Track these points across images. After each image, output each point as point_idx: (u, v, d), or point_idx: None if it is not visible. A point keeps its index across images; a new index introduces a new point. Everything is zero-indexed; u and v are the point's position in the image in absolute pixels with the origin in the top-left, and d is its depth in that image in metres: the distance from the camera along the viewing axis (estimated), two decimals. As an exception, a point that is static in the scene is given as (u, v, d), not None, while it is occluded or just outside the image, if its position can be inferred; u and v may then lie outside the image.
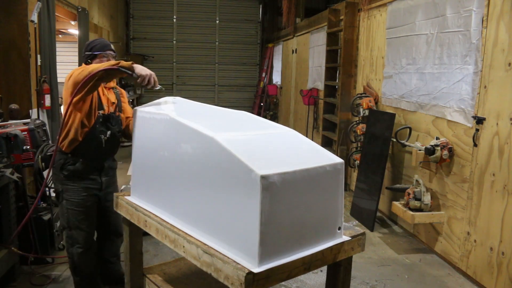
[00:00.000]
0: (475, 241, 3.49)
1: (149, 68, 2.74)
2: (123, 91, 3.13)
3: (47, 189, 3.65)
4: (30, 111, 4.68)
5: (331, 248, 1.95)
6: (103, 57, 2.85)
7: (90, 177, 2.87)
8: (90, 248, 2.94)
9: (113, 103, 2.92)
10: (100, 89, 2.84)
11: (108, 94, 2.92)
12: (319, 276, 3.52)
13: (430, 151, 3.77)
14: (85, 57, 2.89)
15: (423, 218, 3.90)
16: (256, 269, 1.67)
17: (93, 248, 2.98)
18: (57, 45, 5.55)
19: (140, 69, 2.56)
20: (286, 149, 2.02)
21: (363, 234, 2.12)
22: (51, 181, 3.49)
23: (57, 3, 5.63)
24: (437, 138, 3.90)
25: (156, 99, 2.60)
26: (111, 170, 3.01)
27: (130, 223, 2.51)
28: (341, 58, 6.14)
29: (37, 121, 3.74)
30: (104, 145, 2.83)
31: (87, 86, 2.56)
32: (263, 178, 1.65)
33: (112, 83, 3.01)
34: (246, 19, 12.12)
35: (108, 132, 2.83)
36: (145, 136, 2.45)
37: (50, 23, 5.12)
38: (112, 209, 2.75)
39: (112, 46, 2.94)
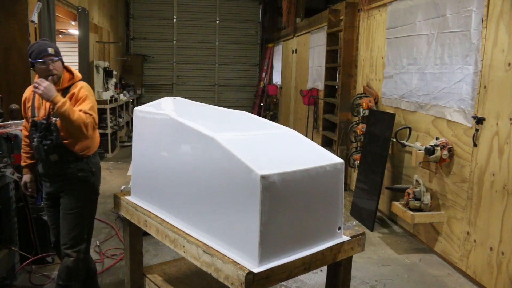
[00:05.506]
0: (475, 241, 3.49)
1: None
2: (75, 91, 2.69)
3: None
4: (30, 111, 4.68)
5: (331, 248, 1.95)
6: (41, 65, 2.61)
7: (42, 182, 2.86)
8: (56, 245, 2.93)
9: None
10: (38, 95, 2.66)
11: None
12: (319, 276, 3.52)
13: (430, 151, 3.77)
14: (29, 64, 2.73)
15: (423, 218, 3.90)
16: (256, 269, 1.67)
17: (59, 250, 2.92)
18: (57, 45, 5.55)
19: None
20: (286, 149, 2.02)
21: (363, 234, 2.13)
22: None
23: (57, 3, 5.64)
24: (437, 138, 3.90)
25: (156, 99, 2.61)
26: (61, 178, 2.72)
27: (130, 223, 2.51)
28: (341, 58, 6.14)
29: (37, 121, 3.73)
30: (35, 151, 2.71)
31: None
32: (263, 178, 1.65)
33: (65, 83, 2.70)
34: (246, 19, 12.12)
35: (34, 139, 2.67)
36: (145, 136, 2.46)
37: (50, 23, 5.13)
38: (62, 216, 2.72)
39: (51, 50, 2.64)
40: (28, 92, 2.79)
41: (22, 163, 2.91)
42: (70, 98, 2.63)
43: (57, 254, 3.06)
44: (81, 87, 2.70)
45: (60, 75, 2.68)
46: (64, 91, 2.67)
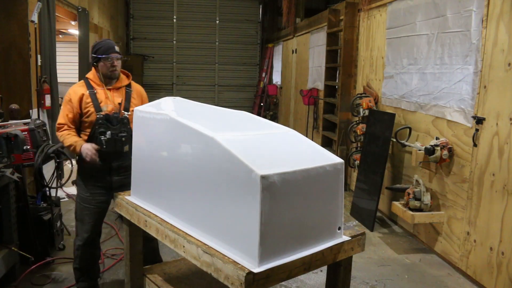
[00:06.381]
0: (475, 241, 3.49)
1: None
2: (138, 88, 3.16)
3: (47, 189, 3.67)
4: (30, 111, 4.68)
5: (331, 248, 1.95)
6: (106, 60, 2.90)
7: (99, 176, 2.95)
8: (89, 244, 3.03)
9: (119, 103, 2.96)
10: (101, 91, 2.94)
11: (113, 95, 2.97)
12: (319, 276, 3.52)
13: (430, 151, 3.77)
14: (92, 59, 2.99)
15: (423, 218, 3.90)
16: (256, 269, 1.67)
17: (92, 244, 3.06)
18: (57, 45, 5.55)
19: (83, 152, 2.82)
20: (286, 149, 2.02)
21: (363, 234, 2.13)
22: (52, 181, 3.53)
23: (57, 3, 5.63)
24: (437, 138, 3.90)
25: (156, 99, 2.61)
26: (124, 170, 2.95)
27: (130, 223, 2.52)
28: (341, 58, 6.14)
29: (38, 121, 3.74)
30: (106, 145, 2.85)
31: None
32: (263, 178, 1.65)
33: (125, 81, 3.06)
34: (246, 19, 12.11)
35: (108, 133, 2.85)
36: (145, 136, 2.46)
37: (50, 23, 5.12)
38: None
39: (117, 48, 2.97)
40: (83, 88, 2.94)
41: (79, 140, 2.86)
42: (137, 95, 3.06)
43: (82, 254, 3.03)
44: (141, 87, 3.20)
45: (119, 73, 3.01)
46: (127, 88, 3.04)
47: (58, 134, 2.92)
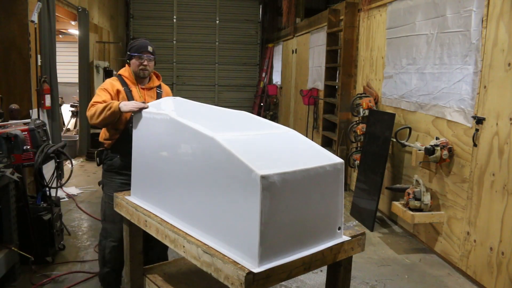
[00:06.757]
0: (475, 241, 3.49)
1: None
2: (167, 90, 3.20)
3: (47, 189, 3.67)
4: (30, 111, 4.69)
5: (331, 248, 1.95)
6: (137, 59, 2.94)
7: (127, 173, 2.93)
8: (122, 243, 2.99)
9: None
10: (135, 90, 2.98)
11: (145, 94, 3.01)
12: (319, 276, 3.52)
13: (430, 151, 3.77)
14: (126, 56, 3.05)
15: (423, 218, 3.90)
16: (256, 269, 1.67)
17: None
18: (57, 45, 5.56)
19: (123, 105, 2.70)
20: (286, 149, 2.02)
21: (363, 234, 2.13)
22: (52, 181, 3.51)
23: (57, 3, 5.64)
24: (437, 138, 3.90)
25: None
26: None
27: (130, 223, 2.52)
28: (341, 58, 6.14)
29: (38, 121, 3.74)
30: None
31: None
32: (263, 178, 1.65)
33: (157, 82, 3.10)
34: (246, 19, 12.11)
35: None
36: (145, 136, 2.46)
37: (50, 23, 5.13)
38: None
39: (150, 48, 2.98)
40: (119, 84, 2.96)
41: (113, 101, 2.77)
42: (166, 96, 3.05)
43: (116, 255, 3.00)
44: (169, 88, 3.25)
45: (151, 72, 3.05)
46: (158, 88, 3.10)
47: (91, 108, 2.78)
